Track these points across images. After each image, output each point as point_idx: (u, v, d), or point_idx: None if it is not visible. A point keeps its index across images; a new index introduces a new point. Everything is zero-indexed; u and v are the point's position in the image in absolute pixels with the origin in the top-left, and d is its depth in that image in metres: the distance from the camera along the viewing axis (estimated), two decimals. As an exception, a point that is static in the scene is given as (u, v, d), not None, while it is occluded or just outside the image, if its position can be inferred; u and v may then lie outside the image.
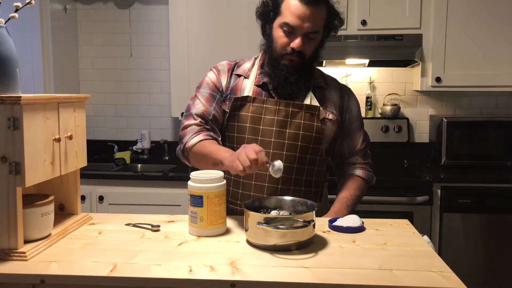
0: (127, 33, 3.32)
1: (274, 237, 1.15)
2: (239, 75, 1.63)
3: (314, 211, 1.22)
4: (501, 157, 2.79)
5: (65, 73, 3.18)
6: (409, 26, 2.76)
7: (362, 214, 1.45)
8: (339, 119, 1.63)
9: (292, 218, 1.18)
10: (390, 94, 3.15)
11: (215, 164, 1.43)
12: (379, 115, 3.16)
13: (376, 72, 3.17)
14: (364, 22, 2.77)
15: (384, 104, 3.14)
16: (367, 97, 3.14)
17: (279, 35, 1.51)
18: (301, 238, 1.17)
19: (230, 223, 1.39)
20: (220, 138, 1.60)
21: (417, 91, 3.09)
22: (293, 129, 1.55)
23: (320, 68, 1.73)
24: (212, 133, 1.57)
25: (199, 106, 1.59)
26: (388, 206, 2.51)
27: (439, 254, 2.24)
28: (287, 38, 1.50)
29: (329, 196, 1.73)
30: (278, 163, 1.28)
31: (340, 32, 2.72)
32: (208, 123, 1.58)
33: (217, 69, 1.65)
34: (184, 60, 2.91)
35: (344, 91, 1.69)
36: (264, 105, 1.56)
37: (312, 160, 1.58)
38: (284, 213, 1.29)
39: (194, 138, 1.53)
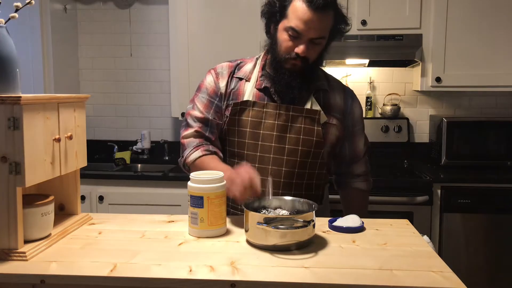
0: (127, 33, 3.32)
1: (274, 237, 1.15)
2: (240, 78, 1.59)
3: (314, 211, 1.22)
4: (501, 157, 2.79)
5: (65, 73, 3.18)
6: (409, 26, 2.76)
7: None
8: (342, 123, 1.61)
9: (292, 218, 1.18)
10: (390, 94, 3.15)
11: None
12: (379, 115, 3.16)
13: (376, 72, 3.17)
14: (364, 22, 2.77)
15: (384, 104, 3.14)
16: (367, 97, 3.14)
17: (283, 38, 1.47)
18: (301, 238, 1.17)
19: (230, 223, 1.39)
20: (219, 148, 1.60)
21: (417, 91, 3.09)
22: (293, 134, 1.53)
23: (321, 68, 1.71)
24: (211, 147, 1.57)
25: (196, 113, 1.59)
26: (388, 206, 2.51)
27: (439, 254, 2.24)
28: (291, 42, 1.46)
29: (330, 197, 1.74)
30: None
31: (340, 32, 2.76)
32: (206, 131, 1.58)
33: (216, 72, 1.61)
34: (184, 60, 2.91)
35: (348, 94, 1.66)
36: (264, 109, 1.54)
37: (313, 164, 1.57)
38: (284, 213, 1.29)
39: (193, 154, 1.54)
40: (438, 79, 2.78)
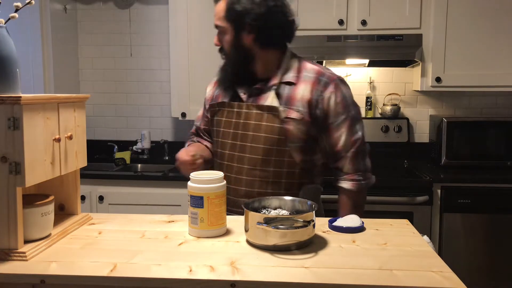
0: (127, 33, 3.32)
1: (274, 237, 1.15)
2: None
3: (314, 211, 1.22)
4: (501, 157, 2.79)
5: (65, 73, 3.18)
6: (409, 26, 2.76)
7: (362, 214, 1.45)
8: (307, 116, 1.54)
9: (292, 218, 1.18)
10: (390, 94, 3.15)
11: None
12: (379, 115, 3.16)
13: (376, 72, 3.17)
14: (364, 22, 2.77)
15: (384, 104, 3.14)
16: (367, 97, 3.14)
17: None
18: (301, 238, 1.17)
19: (230, 223, 1.39)
20: (209, 144, 1.78)
21: (417, 91, 3.09)
22: (255, 132, 1.55)
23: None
24: (195, 138, 1.82)
25: (196, 122, 1.86)
26: (388, 206, 2.51)
27: (439, 254, 2.24)
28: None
29: (330, 196, 1.73)
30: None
31: (340, 32, 2.78)
32: (199, 135, 1.83)
33: (214, 81, 1.76)
34: (184, 60, 2.91)
35: (320, 83, 1.56)
36: (233, 109, 1.61)
37: (279, 163, 1.55)
38: (284, 213, 1.29)
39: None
40: (438, 79, 2.78)
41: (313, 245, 1.22)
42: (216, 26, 1.59)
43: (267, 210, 1.30)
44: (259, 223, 1.16)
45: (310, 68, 1.60)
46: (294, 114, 1.53)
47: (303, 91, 1.56)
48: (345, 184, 1.60)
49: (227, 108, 1.63)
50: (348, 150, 1.58)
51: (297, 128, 1.53)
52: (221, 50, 1.63)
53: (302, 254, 1.15)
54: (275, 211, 1.30)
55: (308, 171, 1.61)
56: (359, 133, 1.59)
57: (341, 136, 1.57)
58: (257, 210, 1.28)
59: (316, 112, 1.55)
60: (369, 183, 1.63)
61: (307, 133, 1.55)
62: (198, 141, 1.81)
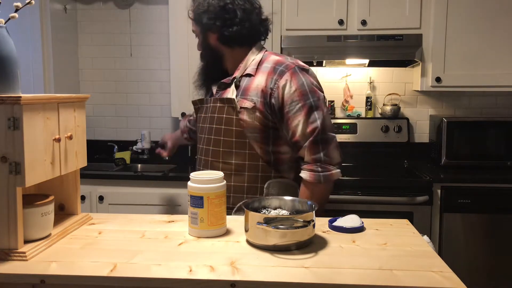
0: (127, 33, 3.32)
1: (274, 237, 1.15)
2: None
3: (314, 211, 1.22)
4: (501, 157, 2.79)
5: (65, 73, 3.18)
6: (409, 26, 2.76)
7: (362, 214, 1.45)
8: (260, 105, 1.54)
9: (292, 218, 1.18)
10: (390, 94, 3.15)
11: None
12: (379, 115, 3.16)
13: (376, 72, 3.17)
14: (364, 22, 2.77)
15: (384, 104, 3.14)
16: (367, 97, 3.14)
17: None
18: (301, 238, 1.17)
19: (230, 223, 1.39)
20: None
21: (417, 91, 3.09)
22: (217, 124, 1.62)
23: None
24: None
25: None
26: (388, 206, 2.51)
27: (439, 254, 2.24)
28: None
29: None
30: None
31: (340, 32, 2.78)
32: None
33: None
34: (184, 60, 2.91)
35: (276, 72, 1.55)
36: (204, 105, 1.73)
37: (241, 155, 1.58)
38: (284, 213, 1.29)
39: None
40: (438, 79, 2.78)
41: (313, 245, 1.22)
42: (193, 32, 1.75)
43: (267, 210, 1.30)
44: (259, 223, 1.16)
45: (271, 59, 1.62)
46: (246, 104, 1.56)
47: (258, 81, 1.59)
48: (303, 174, 1.56)
49: (204, 104, 1.74)
50: (307, 140, 1.52)
51: (251, 117, 1.55)
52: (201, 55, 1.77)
53: (302, 254, 1.15)
54: (275, 211, 1.30)
55: (273, 165, 1.60)
56: (318, 122, 1.52)
57: (298, 125, 1.52)
58: (257, 210, 1.28)
59: (271, 101, 1.55)
60: (330, 176, 1.53)
61: (262, 122, 1.55)
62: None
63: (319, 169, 1.53)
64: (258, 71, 1.61)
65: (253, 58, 1.65)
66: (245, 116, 1.56)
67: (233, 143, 1.57)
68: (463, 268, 2.47)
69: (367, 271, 1.05)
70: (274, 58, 1.63)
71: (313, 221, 1.19)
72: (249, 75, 1.62)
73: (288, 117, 1.54)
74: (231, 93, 1.61)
